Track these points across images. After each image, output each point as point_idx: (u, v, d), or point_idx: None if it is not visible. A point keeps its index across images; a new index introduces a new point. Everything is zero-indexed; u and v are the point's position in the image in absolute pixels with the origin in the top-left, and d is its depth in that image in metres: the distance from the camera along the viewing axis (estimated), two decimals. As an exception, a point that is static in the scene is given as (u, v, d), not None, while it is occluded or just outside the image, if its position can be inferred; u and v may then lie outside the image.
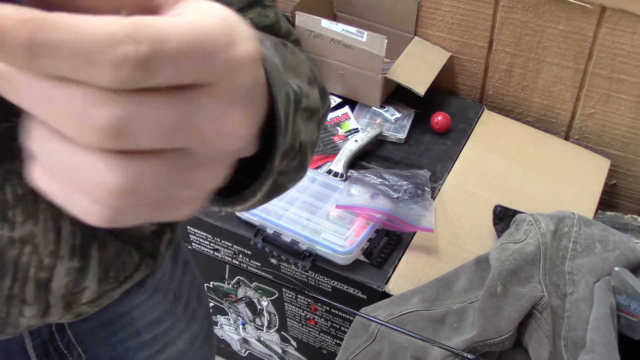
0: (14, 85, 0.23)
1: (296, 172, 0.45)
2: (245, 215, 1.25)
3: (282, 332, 1.50)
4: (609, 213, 1.38)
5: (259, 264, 1.33)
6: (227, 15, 0.25)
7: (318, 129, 0.48)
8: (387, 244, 1.22)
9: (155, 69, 0.22)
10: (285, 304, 1.39)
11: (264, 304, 1.45)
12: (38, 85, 0.22)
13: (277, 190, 0.45)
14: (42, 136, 0.24)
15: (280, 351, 1.59)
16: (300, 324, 1.42)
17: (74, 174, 0.24)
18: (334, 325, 1.35)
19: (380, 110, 1.49)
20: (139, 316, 0.67)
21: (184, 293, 0.73)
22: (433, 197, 1.31)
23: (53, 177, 0.25)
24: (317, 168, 1.36)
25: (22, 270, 0.50)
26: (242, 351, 1.69)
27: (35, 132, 0.24)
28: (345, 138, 1.42)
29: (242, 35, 0.25)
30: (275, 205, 1.24)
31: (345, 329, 1.31)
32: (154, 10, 0.25)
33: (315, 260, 1.21)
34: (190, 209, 0.28)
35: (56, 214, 0.50)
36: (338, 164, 1.34)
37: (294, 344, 1.52)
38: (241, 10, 0.48)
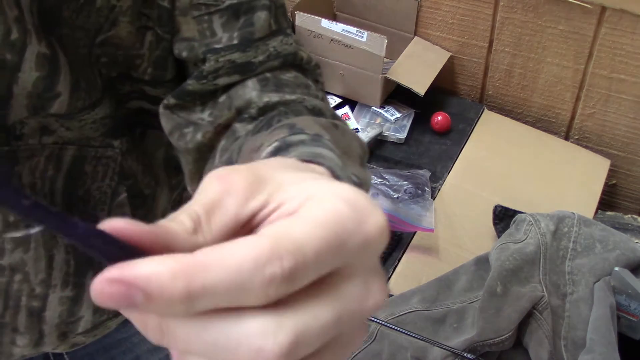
0: (173, 334, 0.23)
1: None
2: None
3: (282, 332, 1.50)
4: (609, 213, 1.38)
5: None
6: (348, 193, 0.24)
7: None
8: (387, 244, 1.22)
9: (301, 276, 0.22)
10: (285, 304, 1.39)
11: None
12: (197, 328, 0.22)
13: None
14: None
15: (280, 351, 1.58)
16: (300, 324, 1.42)
17: None
18: (334, 325, 1.35)
19: (380, 110, 1.49)
20: (139, 342, 0.66)
21: None
22: (433, 197, 1.31)
23: None
24: (317, 168, 1.36)
25: (14, 299, 0.49)
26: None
27: None
28: (345, 138, 1.42)
29: (367, 208, 0.24)
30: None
31: (345, 329, 1.31)
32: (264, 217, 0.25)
33: (315, 260, 1.21)
34: None
35: (49, 242, 0.49)
36: (338, 164, 1.34)
37: (294, 344, 1.52)
38: (264, 38, 0.47)
